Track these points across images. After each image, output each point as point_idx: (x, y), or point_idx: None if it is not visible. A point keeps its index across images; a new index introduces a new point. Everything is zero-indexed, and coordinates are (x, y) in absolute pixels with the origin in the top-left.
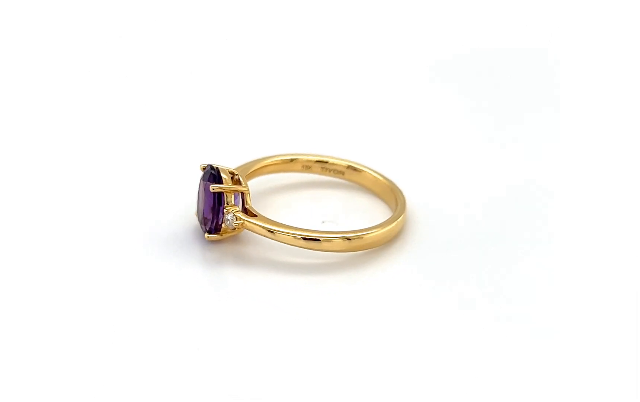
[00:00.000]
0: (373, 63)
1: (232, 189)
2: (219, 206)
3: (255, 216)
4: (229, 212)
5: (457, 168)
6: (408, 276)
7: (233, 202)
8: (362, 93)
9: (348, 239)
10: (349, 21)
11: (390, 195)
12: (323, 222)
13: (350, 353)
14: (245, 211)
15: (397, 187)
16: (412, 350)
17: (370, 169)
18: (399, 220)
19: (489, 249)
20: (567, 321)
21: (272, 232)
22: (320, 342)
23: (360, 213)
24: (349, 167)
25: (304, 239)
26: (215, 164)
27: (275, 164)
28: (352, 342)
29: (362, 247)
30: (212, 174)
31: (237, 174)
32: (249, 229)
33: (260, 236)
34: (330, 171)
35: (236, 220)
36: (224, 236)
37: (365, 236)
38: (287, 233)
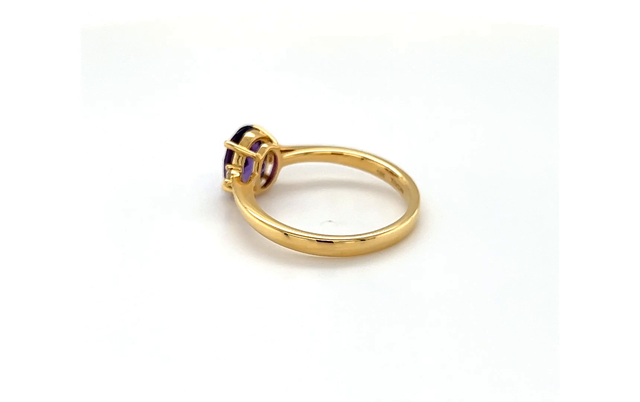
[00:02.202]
0: (386, 56)
1: (241, 151)
2: (228, 161)
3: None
4: (227, 170)
5: (469, 161)
6: (418, 273)
7: (239, 163)
8: (373, 87)
9: (362, 240)
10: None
11: (405, 190)
12: (330, 221)
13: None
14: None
15: (413, 182)
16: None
17: (386, 161)
18: (412, 217)
19: (501, 242)
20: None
21: (287, 235)
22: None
23: (374, 212)
24: (363, 159)
25: (318, 241)
26: (256, 125)
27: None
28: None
29: (376, 248)
30: (237, 134)
31: (269, 142)
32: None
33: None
34: (395, 184)
35: (228, 178)
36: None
37: (378, 236)
38: (301, 236)
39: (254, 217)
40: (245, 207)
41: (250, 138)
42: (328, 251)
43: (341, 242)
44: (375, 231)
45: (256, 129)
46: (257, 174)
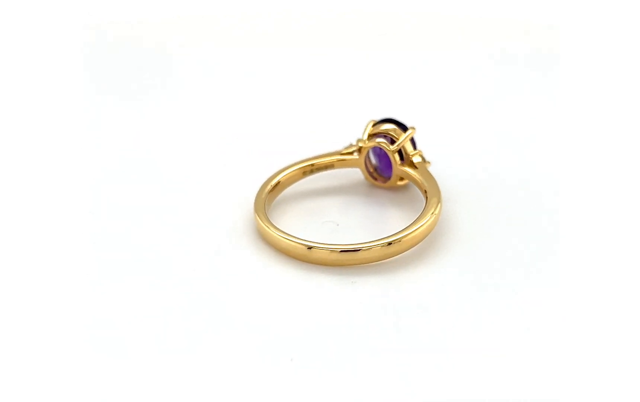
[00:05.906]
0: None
1: (368, 136)
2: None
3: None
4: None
5: (490, 148)
6: (443, 273)
7: (356, 140)
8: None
9: (389, 243)
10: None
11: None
12: (338, 225)
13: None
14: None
15: (431, 176)
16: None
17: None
18: (436, 213)
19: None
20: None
21: (310, 248)
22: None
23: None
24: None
25: (342, 251)
26: (410, 126)
27: None
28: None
29: (403, 250)
30: (383, 120)
31: (389, 143)
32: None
33: None
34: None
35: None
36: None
37: (404, 238)
38: (324, 248)
39: (270, 231)
40: (265, 224)
41: (384, 130)
42: (353, 260)
43: (367, 248)
44: (401, 233)
45: (403, 128)
46: (361, 159)
